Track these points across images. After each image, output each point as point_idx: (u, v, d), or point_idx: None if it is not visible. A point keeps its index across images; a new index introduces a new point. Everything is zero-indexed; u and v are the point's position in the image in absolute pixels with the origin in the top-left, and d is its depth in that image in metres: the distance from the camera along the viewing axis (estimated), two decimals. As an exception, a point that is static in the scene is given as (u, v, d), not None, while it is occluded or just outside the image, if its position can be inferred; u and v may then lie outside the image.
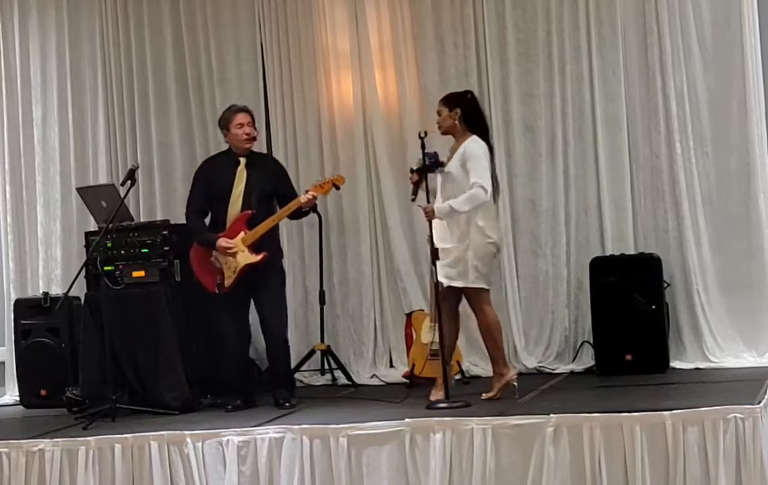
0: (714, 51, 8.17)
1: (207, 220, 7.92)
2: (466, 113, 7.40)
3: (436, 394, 7.25)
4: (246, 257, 7.61)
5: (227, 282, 7.63)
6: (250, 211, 7.67)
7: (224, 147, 8.95)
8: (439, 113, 7.48)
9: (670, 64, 8.22)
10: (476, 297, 7.27)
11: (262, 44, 9.19)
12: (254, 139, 7.87)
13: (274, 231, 7.88)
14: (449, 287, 7.23)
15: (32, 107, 9.59)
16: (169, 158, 9.36)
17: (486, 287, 7.28)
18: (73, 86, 9.52)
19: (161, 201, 9.31)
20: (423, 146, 7.31)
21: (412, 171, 7.48)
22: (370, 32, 8.91)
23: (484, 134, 7.43)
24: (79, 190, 8.84)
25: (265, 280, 7.67)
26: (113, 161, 9.46)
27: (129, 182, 7.90)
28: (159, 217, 8.94)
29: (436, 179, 7.36)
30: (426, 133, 7.35)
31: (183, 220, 8.69)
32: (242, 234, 7.64)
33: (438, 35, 8.79)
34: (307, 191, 7.79)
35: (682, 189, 8.20)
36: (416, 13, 8.84)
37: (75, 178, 9.44)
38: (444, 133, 7.48)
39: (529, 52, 8.59)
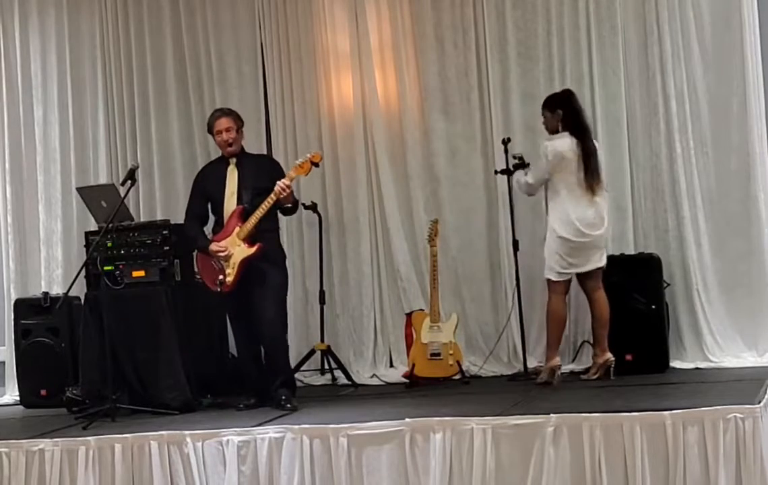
0: (714, 51, 8.17)
1: (210, 225, 7.92)
2: (567, 115, 7.83)
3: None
4: (242, 251, 7.62)
5: (229, 279, 7.62)
6: (242, 206, 7.68)
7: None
8: (544, 116, 7.92)
9: (670, 64, 8.22)
10: (547, 285, 7.87)
11: (262, 44, 9.20)
12: (231, 144, 7.81)
13: (274, 231, 7.88)
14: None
15: (33, 107, 9.60)
16: (169, 158, 9.36)
17: (552, 278, 7.80)
18: (74, 86, 9.53)
19: (161, 201, 9.31)
20: (506, 151, 8.17)
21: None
22: (370, 32, 8.92)
23: (582, 133, 7.81)
24: (79, 189, 8.83)
25: (263, 277, 7.65)
26: (113, 161, 9.46)
27: (129, 182, 7.90)
28: (159, 217, 8.94)
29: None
30: (509, 139, 8.21)
31: (183, 220, 8.72)
32: (237, 228, 7.66)
33: (438, 35, 8.80)
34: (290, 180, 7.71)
35: (682, 189, 8.20)
36: (416, 12, 8.85)
37: (75, 177, 9.44)
38: (551, 134, 7.86)
39: (529, 52, 8.59)
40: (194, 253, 8.01)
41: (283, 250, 8.01)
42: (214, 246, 7.67)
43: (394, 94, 8.93)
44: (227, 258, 7.62)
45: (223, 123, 7.84)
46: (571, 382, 7.94)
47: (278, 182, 7.62)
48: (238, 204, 7.72)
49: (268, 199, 7.62)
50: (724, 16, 8.13)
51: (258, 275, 7.64)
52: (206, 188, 7.91)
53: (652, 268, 8.05)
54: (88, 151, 9.51)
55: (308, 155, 7.89)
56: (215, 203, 7.83)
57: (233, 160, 7.84)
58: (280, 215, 7.92)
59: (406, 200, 8.89)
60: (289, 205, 7.80)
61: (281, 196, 7.59)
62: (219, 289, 7.65)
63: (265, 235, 7.70)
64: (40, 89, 9.59)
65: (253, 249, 7.62)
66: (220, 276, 7.63)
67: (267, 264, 7.67)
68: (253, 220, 7.63)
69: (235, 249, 7.62)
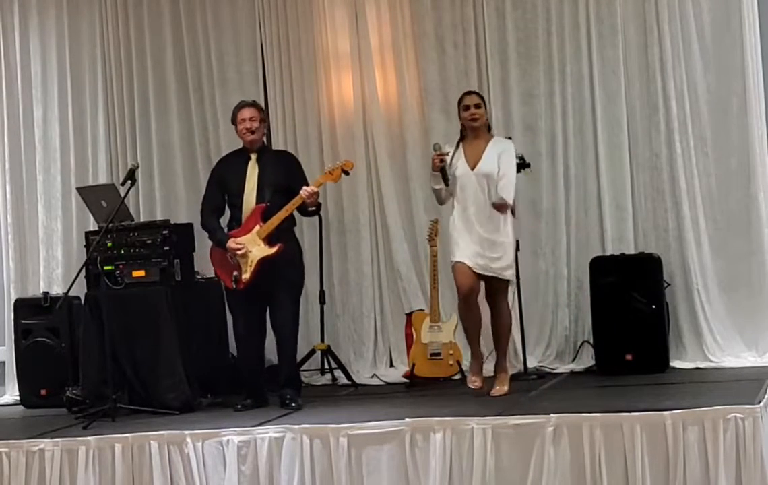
0: (714, 51, 8.17)
1: (225, 218, 7.89)
2: (487, 119, 7.70)
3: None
4: (261, 250, 7.58)
5: (245, 276, 7.59)
6: (264, 204, 7.66)
7: (222, 146, 9.03)
8: (478, 106, 7.59)
9: (670, 64, 8.22)
10: (505, 290, 7.55)
11: (262, 44, 9.20)
12: (253, 132, 7.80)
13: (291, 228, 7.83)
14: (479, 280, 7.45)
15: (33, 107, 9.59)
16: (169, 158, 9.36)
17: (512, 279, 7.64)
18: (74, 86, 9.52)
19: (161, 201, 9.31)
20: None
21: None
22: (370, 32, 8.92)
23: None
24: (80, 189, 8.83)
25: (280, 276, 7.63)
26: (113, 161, 9.46)
27: (129, 182, 7.90)
28: (159, 217, 8.94)
29: (470, 179, 7.49)
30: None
31: (183, 220, 8.76)
32: (257, 227, 7.61)
33: (438, 35, 8.79)
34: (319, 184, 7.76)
35: (682, 189, 8.20)
36: (416, 13, 8.84)
37: (75, 177, 9.44)
38: (478, 127, 7.60)
39: (529, 52, 8.59)
40: (210, 247, 7.91)
41: (300, 246, 7.98)
42: (232, 244, 7.61)
43: (394, 94, 8.93)
44: (245, 255, 7.60)
45: (247, 112, 7.80)
46: (571, 382, 7.94)
47: (305, 188, 7.62)
48: (258, 201, 7.68)
49: (293, 202, 7.61)
50: (724, 16, 8.13)
51: (275, 273, 7.61)
52: (225, 181, 7.83)
53: (652, 268, 8.05)
54: (88, 151, 9.50)
55: (339, 162, 7.90)
56: (233, 196, 7.76)
57: (254, 155, 7.79)
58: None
59: (406, 200, 8.89)
60: (312, 209, 7.81)
61: (307, 201, 7.60)
62: (234, 285, 7.64)
63: (283, 232, 7.67)
64: (40, 89, 9.59)
65: (273, 250, 7.58)
66: (235, 273, 7.62)
67: (284, 262, 7.64)
68: (275, 221, 7.60)
69: (254, 247, 7.59)
